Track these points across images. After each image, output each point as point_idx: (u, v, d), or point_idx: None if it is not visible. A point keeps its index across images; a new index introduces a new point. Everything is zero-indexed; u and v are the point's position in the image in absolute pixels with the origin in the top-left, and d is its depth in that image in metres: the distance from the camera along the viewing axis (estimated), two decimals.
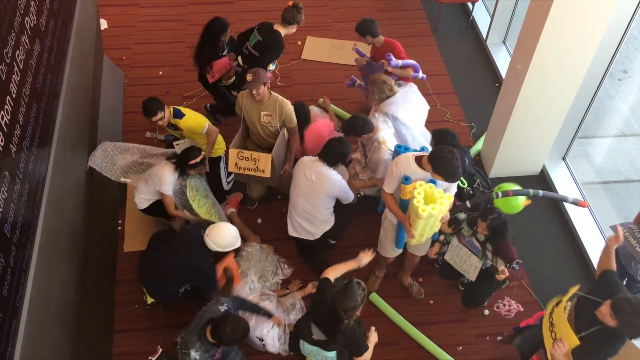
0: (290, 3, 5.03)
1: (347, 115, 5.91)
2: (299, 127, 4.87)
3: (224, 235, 4.15)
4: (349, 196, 4.52)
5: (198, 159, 4.48)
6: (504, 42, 6.86)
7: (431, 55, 6.85)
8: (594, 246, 4.92)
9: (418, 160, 3.74)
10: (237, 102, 4.68)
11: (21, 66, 3.31)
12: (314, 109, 5.54)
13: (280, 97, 4.60)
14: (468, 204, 4.14)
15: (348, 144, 4.43)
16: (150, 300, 4.42)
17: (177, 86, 6.24)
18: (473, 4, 7.18)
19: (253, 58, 5.11)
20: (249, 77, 4.35)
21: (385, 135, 4.59)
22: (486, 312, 4.60)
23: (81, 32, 4.85)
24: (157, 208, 4.65)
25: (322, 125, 5.25)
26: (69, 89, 4.28)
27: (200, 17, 7.23)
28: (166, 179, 4.43)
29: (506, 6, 6.57)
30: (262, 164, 4.64)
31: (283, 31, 5.05)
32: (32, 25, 3.58)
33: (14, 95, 3.15)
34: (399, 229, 4.14)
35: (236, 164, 4.69)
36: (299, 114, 4.80)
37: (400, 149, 4.19)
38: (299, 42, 6.87)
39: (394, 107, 4.76)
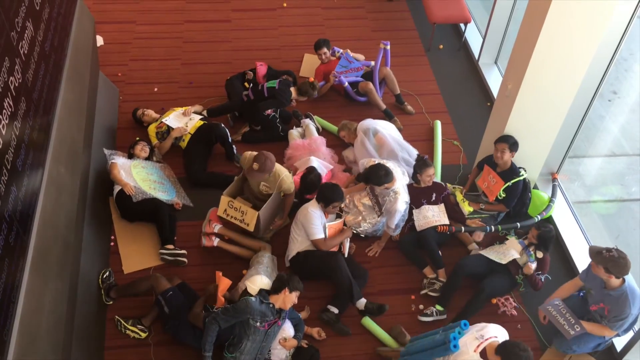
0: (312, 79, 6.13)
1: (334, 128, 6.04)
2: (308, 191, 5.15)
3: (261, 284, 4.42)
4: (309, 231, 4.67)
5: (133, 143, 5.49)
6: (495, 62, 6.95)
7: (424, 74, 6.94)
8: (584, 264, 4.87)
9: (482, 354, 3.59)
10: (242, 159, 5.00)
11: (18, 78, 3.33)
12: (292, 133, 5.93)
13: (284, 174, 4.87)
14: (518, 225, 4.97)
15: (340, 194, 4.68)
16: (144, 335, 4.45)
17: (172, 102, 6.27)
18: (465, 24, 7.29)
19: (261, 96, 5.86)
20: (255, 165, 4.68)
21: (400, 186, 4.83)
22: None
23: (77, 48, 4.88)
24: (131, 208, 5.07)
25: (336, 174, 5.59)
26: (64, 105, 4.30)
27: (196, 34, 7.34)
28: (118, 156, 5.29)
29: (498, 27, 6.66)
30: (247, 218, 4.81)
31: (294, 95, 5.96)
32: (30, 37, 3.61)
33: (10, 110, 3.17)
34: None
35: (225, 210, 4.88)
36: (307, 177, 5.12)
37: (456, 344, 3.68)
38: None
39: (366, 123, 5.59)
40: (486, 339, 3.64)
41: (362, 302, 4.63)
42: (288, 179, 4.88)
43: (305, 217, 4.70)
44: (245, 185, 5.12)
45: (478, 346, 3.63)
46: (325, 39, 6.47)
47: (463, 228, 4.93)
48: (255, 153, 4.90)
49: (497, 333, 3.71)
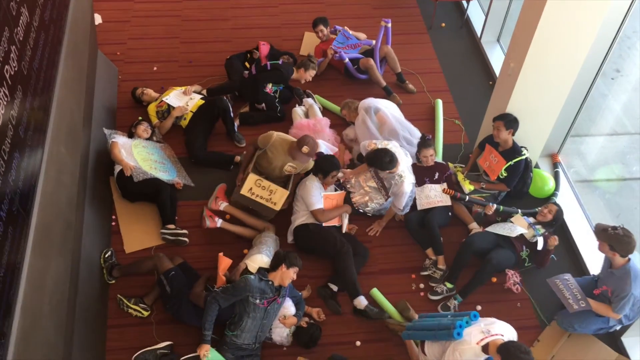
0: (306, 54, 6.30)
1: (335, 107, 6.02)
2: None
3: (261, 263, 4.46)
4: (308, 202, 4.75)
5: (135, 123, 5.48)
6: (498, 40, 6.89)
7: (426, 52, 6.88)
8: (586, 243, 4.97)
9: (485, 348, 3.59)
10: (265, 138, 4.94)
11: (15, 63, 3.31)
12: (296, 111, 5.89)
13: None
14: (519, 211, 4.89)
15: (336, 163, 4.81)
16: (146, 314, 4.48)
17: (171, 82, 6.23)
18: (468, 2, 7.21)
19: (262, 68, 5.85)
20: (305, 149, 4.72)
21: (405, 168, 4.84)
22: (479, 307, 4.62)
23: (75, 27, 4.83)
24: (132, 189, 5.07)
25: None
26: (63, 84, 4.27)
27: (195, 12, 7.26)
28: (118, 135, 5.29)
29: (500, 5, 6.59)
30: (276, 197, 4.82)
31: (295, 74, 5.89)
32: (26, 20, 3.57)
33: (7, 92, 3.15)
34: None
35: (251, 189, 4.82)
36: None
37: (460, 333, 3.70)
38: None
39: (367, 101, 5.51)
40: (491, 335, 3.62)
41: (362, 302, 4.53)
42: (312, 161, 4.98)
43: (304, 189, 4.80)
44: (255, 166, 5.06)
45: (482, 340, 3.62)
46: (322, 17, 6.42)
47: (468, 197, 4.96)
48: (280, 133, 4.96)
49: (504, 331, 3.70)
